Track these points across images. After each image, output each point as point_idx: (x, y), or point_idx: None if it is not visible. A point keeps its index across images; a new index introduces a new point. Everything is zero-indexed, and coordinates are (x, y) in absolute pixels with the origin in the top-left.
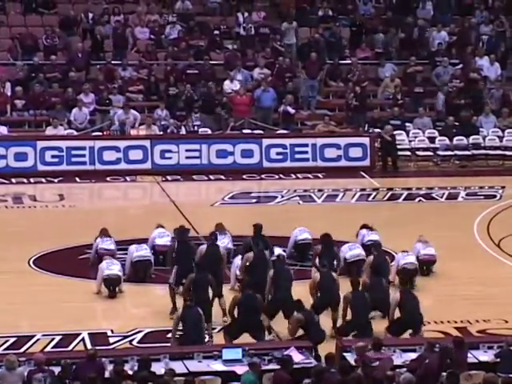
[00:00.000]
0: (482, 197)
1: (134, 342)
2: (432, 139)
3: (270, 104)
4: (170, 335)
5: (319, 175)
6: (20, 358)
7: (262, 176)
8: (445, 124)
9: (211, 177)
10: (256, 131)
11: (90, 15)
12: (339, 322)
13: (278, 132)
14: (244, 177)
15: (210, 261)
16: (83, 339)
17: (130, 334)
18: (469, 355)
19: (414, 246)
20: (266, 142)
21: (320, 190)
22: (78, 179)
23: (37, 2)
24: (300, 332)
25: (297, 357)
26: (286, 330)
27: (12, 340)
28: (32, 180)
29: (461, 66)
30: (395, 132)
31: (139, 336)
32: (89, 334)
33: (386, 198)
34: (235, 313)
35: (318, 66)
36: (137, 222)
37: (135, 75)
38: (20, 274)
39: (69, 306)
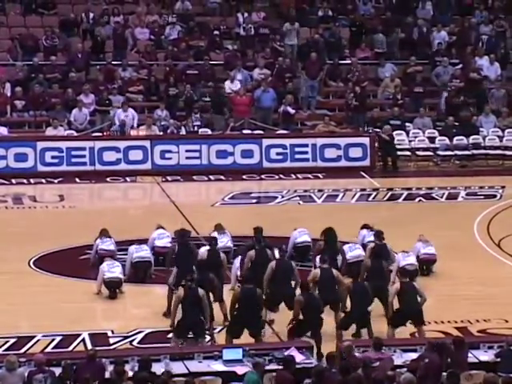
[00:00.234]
0: (482, 197)
1: (135, 343)
2: (432, 139)
3: (269, 104)
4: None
5: (319, 175)
6: (20, 358)
7: (262, 176)
8: (445, 124)
9: (211, 177)
10: (256, 131)
11: (90, 16)
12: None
13: (278, 132)
14: (244, 177)
15: (210, 266)
16: (83, 340)
17: (130, 334)
18: (469, 355)
19: (414, 245)
20: (265, 142)
21: (320, 190)
22: (77, 180)
23: (37, 2)
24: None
25: (297, 357)
26: (285, 329)
27: (12, 341)
28: (32, 180)
29: (461, 65)
30: (395, 132)
31: (139, 336)
32: (89, 334)
33: (386, 198)
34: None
35: (317, 66)
36: (137, 222)
37: (135, 76)
38: (20, 274)
39: (69, 306)
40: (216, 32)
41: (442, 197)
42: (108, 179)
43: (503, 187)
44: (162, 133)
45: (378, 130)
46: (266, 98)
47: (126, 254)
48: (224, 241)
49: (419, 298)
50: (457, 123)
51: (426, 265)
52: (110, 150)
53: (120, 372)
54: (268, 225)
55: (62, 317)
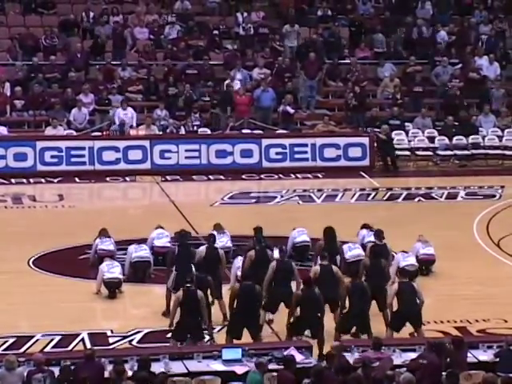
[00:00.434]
0: (482, 196)
1: (134, 342)
2: (431, 139)
3: (269, 104)
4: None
5: (319, 175)
6: (19, 358)
7: (262, 176)
8: (444, 124)
9: (211, 177)
10: (255, 131)
11: (90, 15)
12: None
13: (278, 132)
14: (243, 177)
15: (208, 263)
16: (83, 339)
17: (129, 334)
18: (468, 355)
19: (413, 245)
20: (265, 141)
21: (319, 190)
22: (77, 179)
23: (36, 2)
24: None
25: (296, 357)
26: (285, 328)
27: (11, 340)
28: (31, 180)
29: (460, 65)
30: (395, 132)
31: (139, 336)
32: (88, 334)
33: (385, 198)
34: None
35: (316, 66)
36: (136, 222)
37: (134, 75)
38: (19, 274)
39: (68, 306)
40: (215, 32)
41: (441, 196)
42: (107, 179)
43: (502, 187)
44: (161, 132)
45: (376, 129)
46: (265, 98)
47: (126, 254)
48: (223, 240)
49: (418, 300)
50: (456, 123)
51: (424, 265)
52: (109, 150)
53: (120, 371)
54: (267, 224)
55: (61, 316)
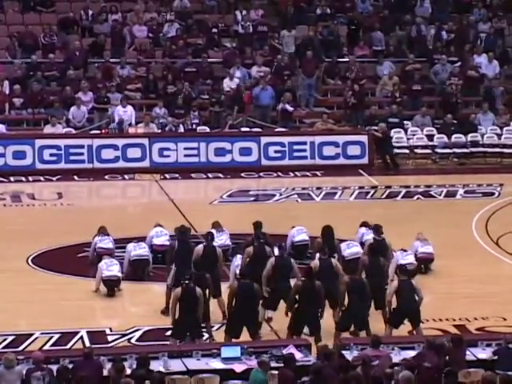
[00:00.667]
0: (481, 194)
1: (133, 340)
2: (430, 137)
3: (268, 102)
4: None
5: (317, 173)
6: (18, 356)
7: (261, 174)
8: (443, 122)
9: (209, 175)
10: (254, 129)
11: (89, 13)
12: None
13: (277, 130)
14: (242, 175)
15: (206, 261)
16: (82, 337)
17: (128, 332)
18: (467, 353)
19: (412, 243)
20: (264, 140)
21: (318, 188)
22: (76, 177)
23: (35, 0)
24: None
25: (295, 355)
26: (283, 327)
27: (10, 338)
28: (30, 178)
29: (459, 63)
30: (394, 130)
31: (138, 334)
32: (87, 332)
33: (384, 196)
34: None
35: (313, 64)
36: (135, 220)
37: (133, 73)
38: (18, 272)
39: (67, 304)
40: (214, 30)
41: (440, 194)
42: (106, 177)
43: (501, 185)
44: (160, 130)
45: (373, 127)
46: (264, 96)
47: (125, 252)
48: (223, 239)
49: (417, 297)
50: (455, 121)
51: (423, 263)
52: (108, 148)
53: (119, 369)
54: (266, 223)
55: (60, 314)
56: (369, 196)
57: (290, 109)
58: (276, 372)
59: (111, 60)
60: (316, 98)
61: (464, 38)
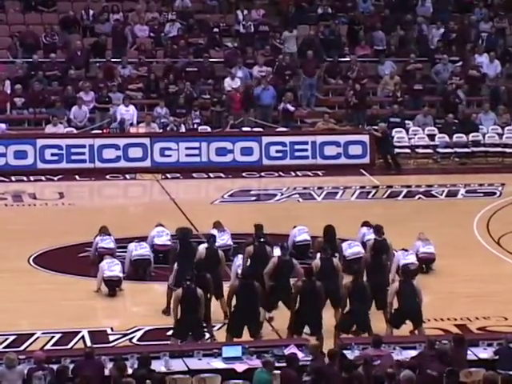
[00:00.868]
0: (482, 194)
1: (134, 340)
2: (432, 136)
3: (269, 102)
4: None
5: (319, 173)
6: (20, 356)
7: (262, 174)
8: (444, 121)
9: (211, 175)
10: (256, 129)
11: (90, 13)
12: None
13: (278, 130)
14: (244, 174)
15: (209, 263)
16: (83, 337)
17: (129, 331)
18: (468, 352)
19: (413, 243)
20: (265, 139)
21: (320, 188)
22: (77, 177)
23: (36, 0)
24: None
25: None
26: (285, 326)
27: (12, 338)
28: (32, 178)
29: (460, 63)
30: (395, 129)
31: (139, 334)
32: (89, 332)
33: (385, 196)
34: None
35: (314, 64)
36: (136, 220)
37: (135, 73)
38: (20, 272)
39: (69, 304)
40: (215, 29)
41: (441, 194)
42: (108, 177)
43: (503, 184)
44: (161, 130)
45: (373, 127)
46: (265, 96)
47: (126, 252)
48: (224, 239)
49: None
50: (456, 121)
51: (425, 263)
52: (109, 148)
53: (121, 368)
54: (267, 222)
55: (61, 314)
56: (370, 196)
57: (292, 108)
58: (278, 372)
59: (112, 60)
60: (317, 97)
61: (465, 38)
